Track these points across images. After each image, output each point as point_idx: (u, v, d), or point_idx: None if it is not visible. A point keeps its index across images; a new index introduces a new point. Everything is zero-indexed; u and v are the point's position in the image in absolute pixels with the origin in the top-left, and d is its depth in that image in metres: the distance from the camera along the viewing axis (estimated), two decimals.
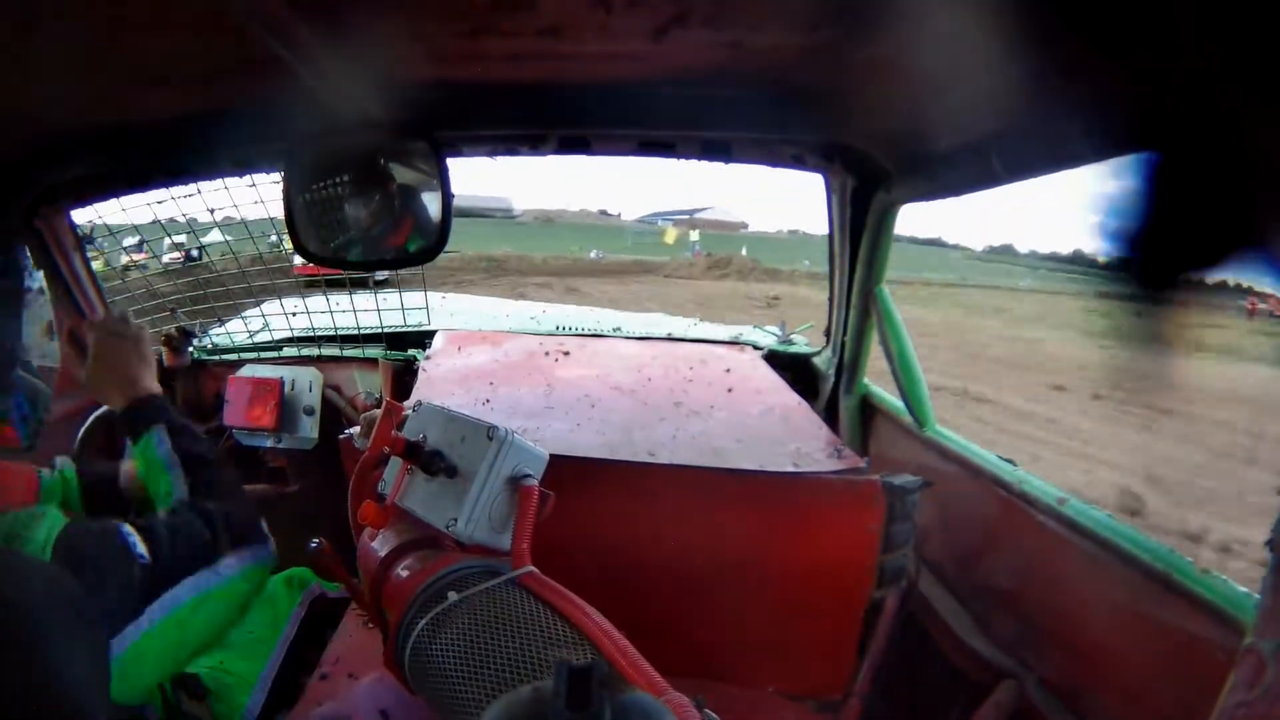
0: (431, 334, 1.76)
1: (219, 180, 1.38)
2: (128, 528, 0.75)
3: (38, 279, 0.79)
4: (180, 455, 0.86)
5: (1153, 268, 0.50)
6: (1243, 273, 0.47)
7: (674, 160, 1.25)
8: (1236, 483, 5.07)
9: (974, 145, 0.90)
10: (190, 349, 1.70)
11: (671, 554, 1.02)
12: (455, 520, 0.68)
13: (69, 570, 0.64)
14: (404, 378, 1.68)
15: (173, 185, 1.34)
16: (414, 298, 1.83)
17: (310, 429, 1.62)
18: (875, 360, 1.48)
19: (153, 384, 0.93)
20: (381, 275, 2.18)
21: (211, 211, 1.45)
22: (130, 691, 0.71)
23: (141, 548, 0.74)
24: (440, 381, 1.42)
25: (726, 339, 1.85)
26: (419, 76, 0.96)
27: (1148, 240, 0.50)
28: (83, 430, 1.13)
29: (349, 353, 1.74)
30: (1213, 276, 0.49)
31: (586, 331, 1.88)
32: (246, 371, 1.65)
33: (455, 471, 0.71)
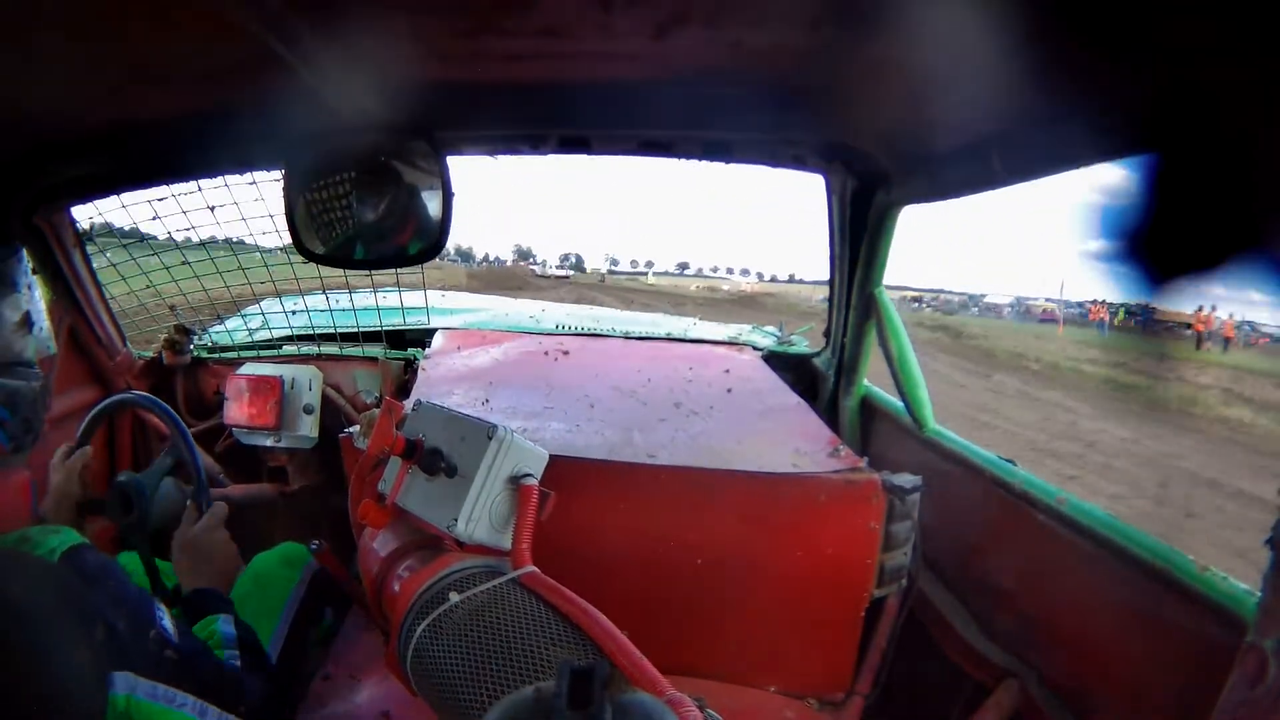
0: (431, 333, 1.76)
1: (219, 179, 1.38)
2: (162, 607, 0.73)
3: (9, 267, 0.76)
4: (240, 644, 0.85)
5: (1153, 270, 0.50)
6: (1242, 275, 0.47)
7: (674, 161, 1.25)
8: None
9: (974, 146, 0.90)
10: (190, 347, 1.70)
11: (672, 554, 1.02)
12: (455, 520, 0.68)
13: (76, 576, 0.64)
14: (404, 377, 1.68)
15: (173, 184, 1.34)
16: (413, 297, 1.83)
17: (310, 428, 1.62)
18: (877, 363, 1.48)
19: (233, 575, 1.00)
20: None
21: (212, 210, 1.45)
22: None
23: (170, 625, 0.71)
24: (440, 381, 1.42)
25: (726, 339, 1.85)
26: (419, 76, 0.96)
27: (1148, 242, 0.50)
28: (84, 424, 1.13)
29: (349, 351, 1.74)
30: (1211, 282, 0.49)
31: (586, 331, 1.88)
32: (246, 370, 1.65)
33: (455, 471, 0.71)
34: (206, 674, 0.72)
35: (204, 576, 0.96)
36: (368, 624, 1.07)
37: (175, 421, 1.09)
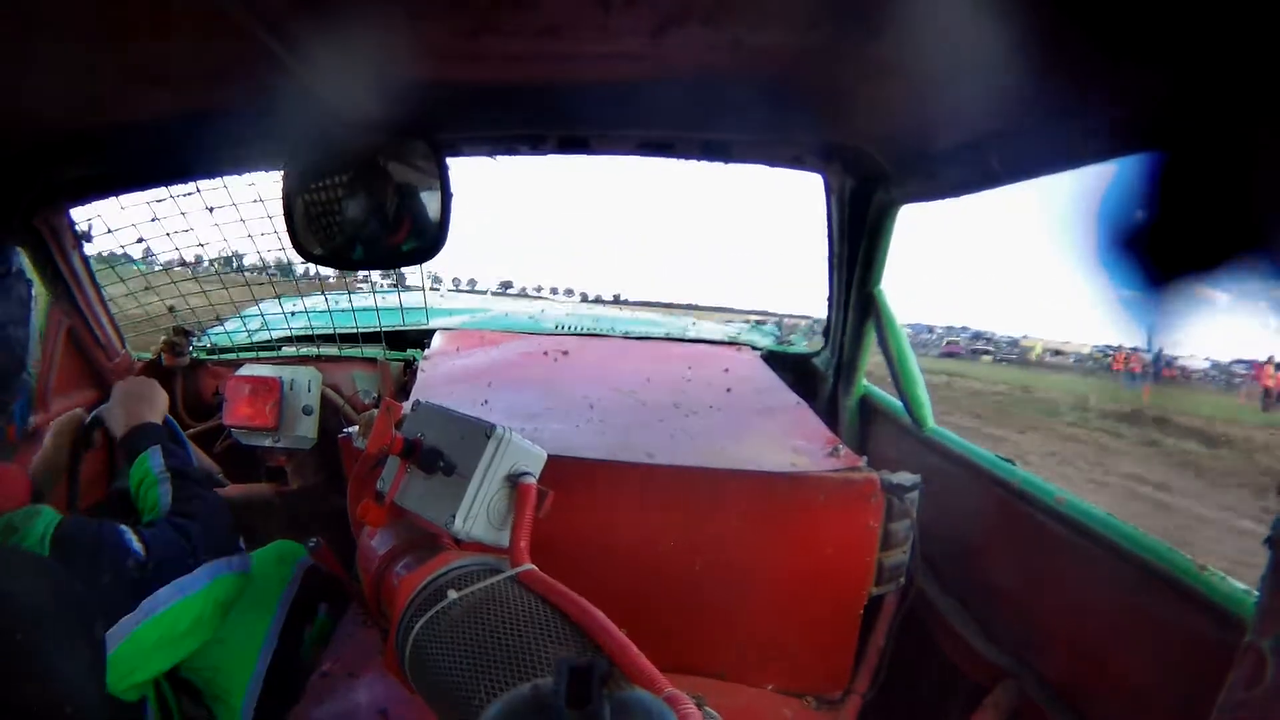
0: (430, 333, 1.76)
1: (219, 179, 1.38)
2: (125, 527, 0.79)
3: (34, 284, 0.81)
4: (171, 471, 0.94)
5: (1153, 270, 0.50)
6: (1242, 275, 0.47)
7: (674, 160, 1.25)
8: None
9: (973, 145, 0.90)
10: (189, 348, 1.70)
11: (671, 553, 1.02)
12: (453, 518, 0.68)
13: (65, 562, 0.65)
14: (403, 377, 1.68)
15: (173, 185, 1.34)
16: (413, 297, 1.83)
17: (309, 428, 1.62)
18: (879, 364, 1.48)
19: (155, 417, 1.05)
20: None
21: (211, 210, 1.45)
22: (120, 686, 0.73)
23: (137, 545, 0.78)
24: (439, 381, 1.42)
25: (725, 339, 1.85)
26: (418, 76, 0.96)
27: (1148, 242, 0.50)
28: (84, 424, 1.13)
29: (348, 352, 1.74)
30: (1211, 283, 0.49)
31: (585, 331, 1.88)
32: (246, 371, 1.65)
33: (453, 470, 0.71)
34: (170, 554, 0.82)
35: (135, 413, 1.04)
36: (365, 621, 1.08)
37: (169, 422, 1.11)
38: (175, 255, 1.65)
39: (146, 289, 1.66)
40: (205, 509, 0.93)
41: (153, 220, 1.45)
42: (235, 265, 1.76)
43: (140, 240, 1.56)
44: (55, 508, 0.80)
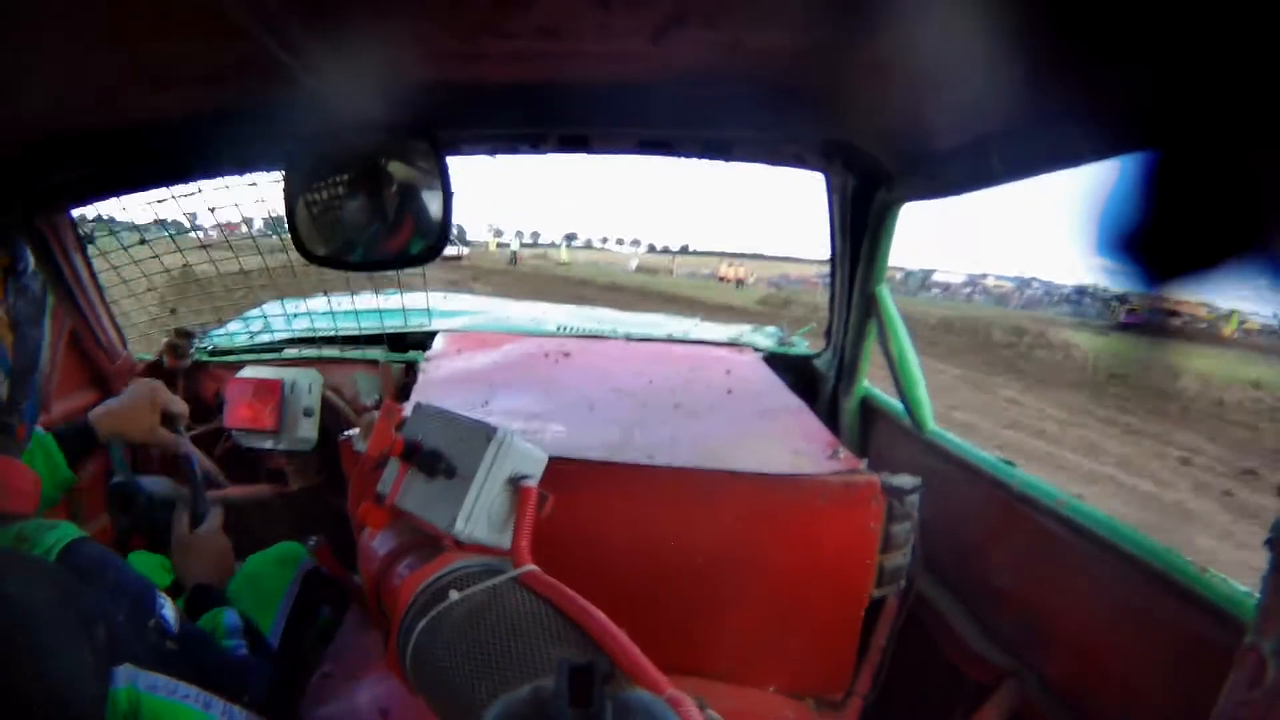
0: (433, 335, 1.76)
1: (220, 180, 1.38)
2: (163, 597, 0.73)
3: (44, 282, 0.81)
4: (247, 635, 0.85)
5: (1152, 269, 0.50)
6: (1242, 275, 0.46)
7: (672, 159, 1.25)
8: None
9: (974, 144, 0.90)
10: (192, 350, 1.70)
11: (672, 555, 1.02)
12: (454, 519, 0.68)
13: (73, 574, 0.65)
14: (404, 379, 1.68)
15: (173, 185, 1.35)
16: (415, 298, 1.83)
17: (310, 430, 1.62)
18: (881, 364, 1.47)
19: (229, 575, 1.03)
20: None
21: (212, 211, 1.45)
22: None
23: (170, 614, 0.71)
24: (440, 383, 1.42)
25: (726, 340, 1.85)
26: (419, 77, 0.96)
27: (1147, 241, 0.50)
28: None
29: (350, 354, 1.74)
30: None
31: (587, 332, 1.88)
32: (247, 373, 1.65)
33: (454, 472, 0.71)
34: (209, 663, 0.72)
35: (201, 577, 0.98)
36: (367, 622, 1.07)
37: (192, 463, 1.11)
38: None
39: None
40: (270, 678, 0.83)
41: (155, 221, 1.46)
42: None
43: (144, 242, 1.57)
44: (58, 515, 0.79)
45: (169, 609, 0.71)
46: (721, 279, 35.40)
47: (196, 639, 0.74)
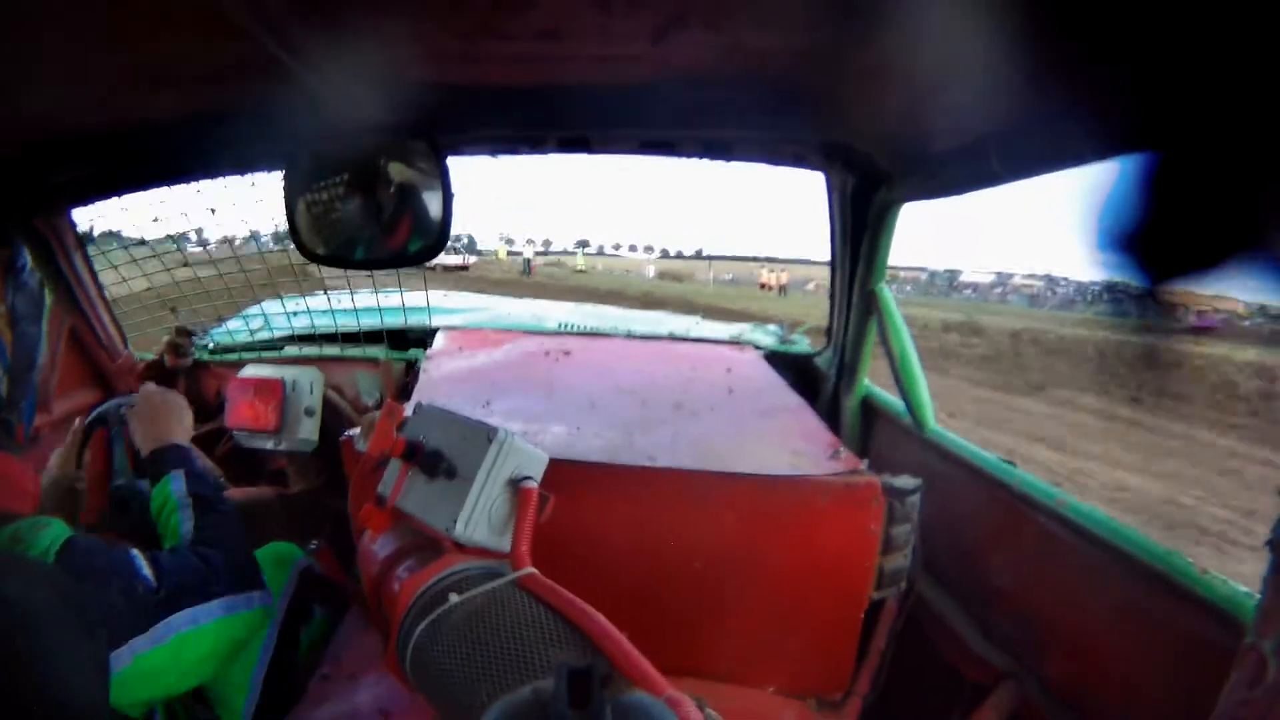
0: (433, 333, 1.75)
1: (220, 180, 1.38)
2: (136, 552, 0.78)
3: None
4: (194, 497, 0.93)
5: (1152, 269, 0.50)
6: (1242, 275, 0.46)
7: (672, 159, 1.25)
8: None
9: (973, 145, 0.90)
10: (193, 348, 1.70)
11: (672, 556, 1.02)
12: (454, 522, 0.68)
13: (71, 575, 0.65)
14: (405, 378, 1.68)
15: (173, 185, 1.35)
16: (415, 296, 1.83)
17: (311, 430, 1.61)
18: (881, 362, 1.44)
19: (183, 437, 1.04)
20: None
21: (212, 211, 1.45)
22: (125, 702, 0.73)
23: (148, 571, 0.77)
24: (441, 382, 1.42)
25: (728, 339, 1.85)
26: (419, 78, 0.96)
27: (1147, 241, 0.50)
28: (85, 422, 1.14)
29: (350, 352, 1.74)
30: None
31: (589, 331, 1.88)
32: (248, 372, 1.65)
33: (455, 473, 0.71)
34: (183, 585, 0.81)
35: (160, 430, 1.03)
36: (366, 624, 1.08)
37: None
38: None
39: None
40: (229, 539, 0.91)
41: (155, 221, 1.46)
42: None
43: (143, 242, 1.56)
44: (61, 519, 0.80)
45: (145, 567, 0.78)
46: (763, 286, 34.08)
47: (170, 572, 0.80)
